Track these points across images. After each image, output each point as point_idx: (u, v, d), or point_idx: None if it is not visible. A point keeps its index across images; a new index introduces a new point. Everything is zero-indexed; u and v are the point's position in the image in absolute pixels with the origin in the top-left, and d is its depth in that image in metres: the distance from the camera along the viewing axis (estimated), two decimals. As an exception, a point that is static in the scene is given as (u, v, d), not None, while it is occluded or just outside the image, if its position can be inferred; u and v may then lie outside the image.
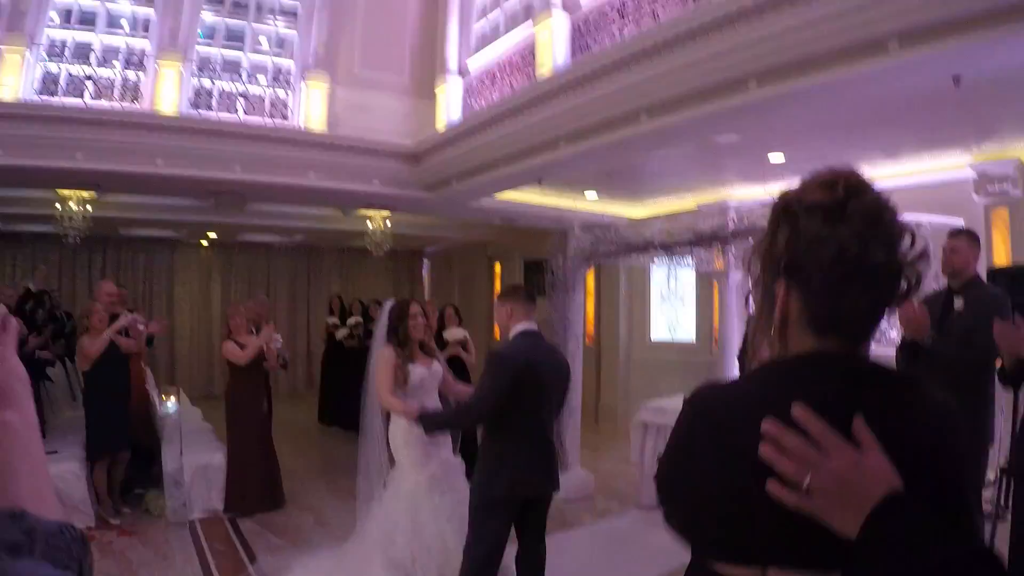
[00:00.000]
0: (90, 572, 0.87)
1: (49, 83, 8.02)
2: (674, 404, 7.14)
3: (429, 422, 4.33)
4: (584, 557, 5.80)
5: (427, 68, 9.69)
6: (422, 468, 4.70)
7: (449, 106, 9.29)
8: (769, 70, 5.02)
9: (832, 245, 1.16)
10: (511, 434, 4.16)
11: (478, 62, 9.21)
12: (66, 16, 8.36)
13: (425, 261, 17.89)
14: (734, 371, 8.79)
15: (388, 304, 5.14)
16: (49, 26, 8.21)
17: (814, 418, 1.08)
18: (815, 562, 1.12)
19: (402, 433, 4.69)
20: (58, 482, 6.17)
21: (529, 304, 4.36)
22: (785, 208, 1.24)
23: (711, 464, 1.20)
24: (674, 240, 6.35)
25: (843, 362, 1.22)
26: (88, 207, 10.14)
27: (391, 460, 4.98)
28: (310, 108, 9.11)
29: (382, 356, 4.80)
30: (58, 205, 9.96)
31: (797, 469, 1.06)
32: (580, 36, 7.28)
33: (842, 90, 5.03)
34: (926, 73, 4.66)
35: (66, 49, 8.21)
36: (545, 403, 4.23)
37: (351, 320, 11.12)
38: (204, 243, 15.43)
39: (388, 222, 11.99)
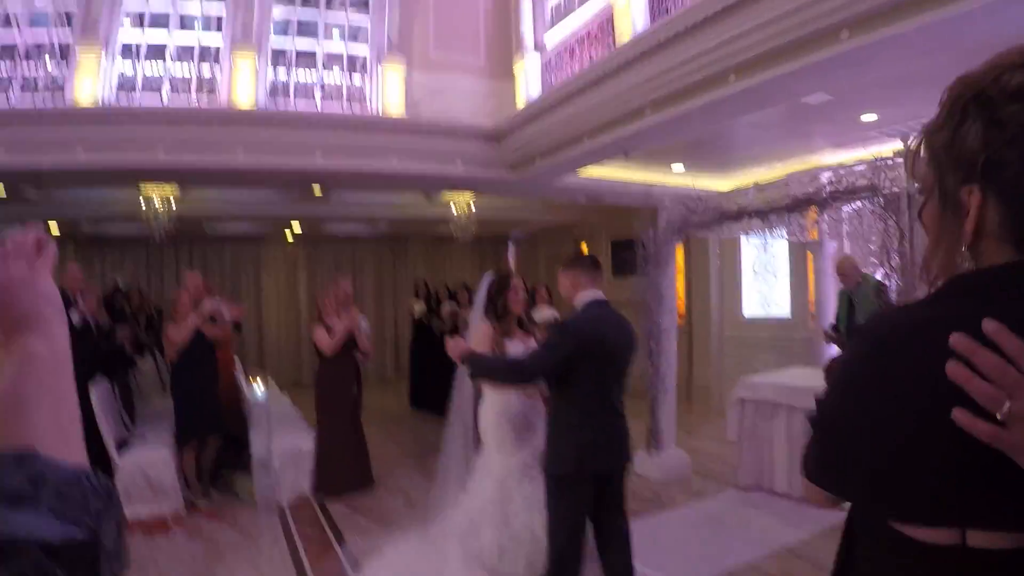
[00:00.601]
0: (117, 531, 0.71)
1: (126, 84, 8.13)
2: (772, 380, 6.87)
3: (476, 365, 4.05)
4: (680, 539, 5.55)
5: (503, 47, 9.53)
6: (512, 453, 4.46)
7: (528, 84, 9.11)
8: (860, 17, 4.68)
9: None
10: (576, 407, 4.00)
11: (555, 37, 8.99)
12: (138, 19, 8.44)
13: (511, 245, 17.78)
14: (831, 347, 8.44)
15: (487, 278, 4.93)
16: (122, 28, 8.30)
17: (1009, 334, 0.86)
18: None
19: (493, 414, 4.46)
20: (147, 468, 6.29)
21: (594, 272, 4.19)
22: (977, 95, 1.00)
23: (892, 399, 0.97)
24: (770, 207, 6.05)
25: None
26: (173, 205, 10.32)
27: (477, 441, 4.79)
28: (387, 94, 9.02)
29: (479, 331, 4.63)
30: (143, 204, 10.18)
31: (992, 393, 0.85)
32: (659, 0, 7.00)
33: (939, 33, 4.61)
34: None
35: (140, 50, 8.29)
36: (612, 374, 4.06)
37: (446, 307, 10.94)
38: (289, 236, 15.62)
39: (472, 206, 11.88)
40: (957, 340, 0.87)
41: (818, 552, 5.05)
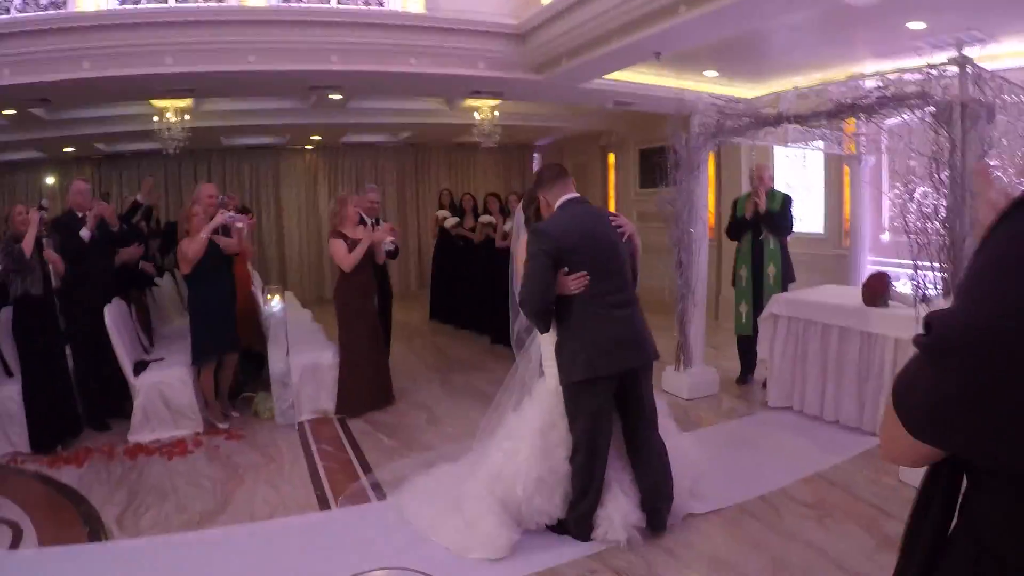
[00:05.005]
0: None
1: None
2: (806, 297, 6.57)
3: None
4: (711, 460, 5.19)
5: (530, -61, 8.98)
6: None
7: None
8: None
9: None
10: (577, 309, 3.84)
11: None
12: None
13: (535, 155, 17.36)
14: (865, 266, 8.13)
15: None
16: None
17: None
18: None
19: (550, 336, 4.10)
20: (164, 388, 6.16)
21: (560, 179, 4.07)
22: None
23: None
24: (811, 112, 5.65)
25: None
26: (186, 117, 10.10)
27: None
28: (407, -9, 8.54)
29: (519, 248, 4.32)
30: (156, 119, 9.94)
31: None
32: None
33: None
34: None
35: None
36: (604, 268, 3.88)
37: (484, 218, 10.56)
38: (308, 147, 15.31)
39: (496, 112, 11.49)
40: None
41: (852, 478, 4.86)
